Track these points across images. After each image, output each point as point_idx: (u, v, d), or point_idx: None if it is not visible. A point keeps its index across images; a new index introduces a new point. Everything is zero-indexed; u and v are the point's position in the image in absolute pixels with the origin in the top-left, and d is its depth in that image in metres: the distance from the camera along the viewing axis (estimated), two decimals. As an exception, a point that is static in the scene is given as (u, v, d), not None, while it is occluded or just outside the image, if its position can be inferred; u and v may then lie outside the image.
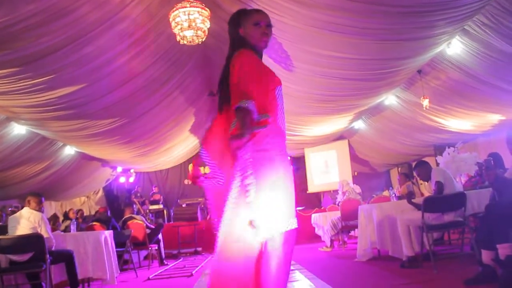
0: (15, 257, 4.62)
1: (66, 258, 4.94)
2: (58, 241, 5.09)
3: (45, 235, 4.61)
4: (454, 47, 6.51)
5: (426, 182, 5.66)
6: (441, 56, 6.98)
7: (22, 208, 5.10)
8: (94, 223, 7.51)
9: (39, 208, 4.93)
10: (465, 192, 4.79)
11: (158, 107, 8.85)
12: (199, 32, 5.49)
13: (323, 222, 8.28)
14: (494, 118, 8.59)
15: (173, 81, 8.33)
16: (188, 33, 5.43)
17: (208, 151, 2.26)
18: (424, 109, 8.18)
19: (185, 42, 5.56)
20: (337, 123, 11.16)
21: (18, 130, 7.67)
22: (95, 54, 6.05)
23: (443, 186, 4.79)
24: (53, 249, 4.77)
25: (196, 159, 2.29)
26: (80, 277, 5.12)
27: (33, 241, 4.54)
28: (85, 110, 7.51)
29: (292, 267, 5.64)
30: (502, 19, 5.48)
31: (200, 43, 5.68)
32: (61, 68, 5.96)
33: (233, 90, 2.04)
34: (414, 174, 6.04)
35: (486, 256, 3.58)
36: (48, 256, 4.53)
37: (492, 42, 5.99)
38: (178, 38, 5.50)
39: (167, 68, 7.70)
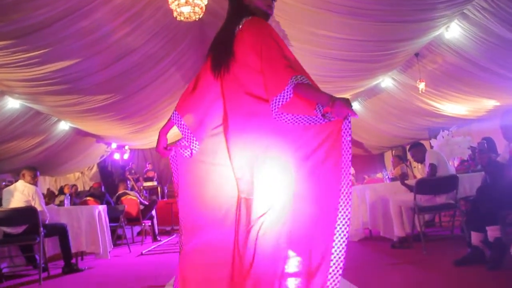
0: (9, 230, 4.64)
1: (59, 232, 4.97)
2: (52, 214, 5.12)
3: (38, 209, 4.63)
4: (453, 31, 6.48)
5: (419, 165, 5.70)
6: (439, 40, 6.95)
7: (16, 182, 5.11)
8: (88, 198, 7.54)
9: (34, 182, 4.95)
10: (457, 175, 4.84)
11: (154, 83, 8.77)
12: (196, 9, 5.40)
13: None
14: (489, 103, 8.61)
15: (170, 57, 8.25)
16: (185, 9, 5.34)
17: (184, 116, 2.14)
18: (420, 92, 8.18)
19: (182, 19, 5.48)
20: (332, 105, 11.13)
21: (12, 104, 7.59)
22: (92, 27, 5.96)
23: (437, 168, 4.83)
24: (46, 222, 4.80)
25: (166, 125, 2.17)
26: (73, 250, 5.17)
27: (27, 214, 4.56)
28: (80, 85, 7.43)
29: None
30: (502, 4, 5.44)
31: (197, 19, 5.60)
32: (57, 41, 5.88)
33: (272, 62, 1.85)
34: (408, 156, 6.08)
35: (475, 237, 3.63)
36: (42, 229, 4.55)
37: (491, 27, 5.97)
38: (175, 14, 5.41)
39: (163, 44, 7.61)
